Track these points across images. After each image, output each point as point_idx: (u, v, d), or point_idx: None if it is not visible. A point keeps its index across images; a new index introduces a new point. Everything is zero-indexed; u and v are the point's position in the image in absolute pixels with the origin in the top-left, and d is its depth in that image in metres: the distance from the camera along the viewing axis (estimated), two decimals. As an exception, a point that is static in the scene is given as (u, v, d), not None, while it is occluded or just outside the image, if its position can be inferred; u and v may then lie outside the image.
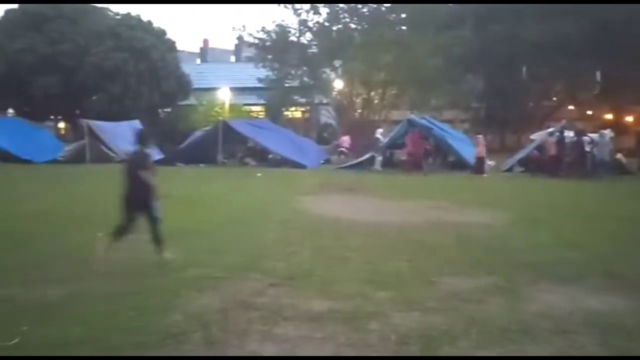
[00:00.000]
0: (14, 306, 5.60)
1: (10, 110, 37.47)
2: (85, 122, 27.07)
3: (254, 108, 40.71)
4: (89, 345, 4.66)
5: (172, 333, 4.92)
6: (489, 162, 24.24)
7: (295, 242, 8.88)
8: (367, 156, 25.37)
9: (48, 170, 22.76)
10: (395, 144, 26.01)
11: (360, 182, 18.45)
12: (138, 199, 7.31)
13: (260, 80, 35.57)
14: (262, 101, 37.85)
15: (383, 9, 34.11)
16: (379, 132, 25.75)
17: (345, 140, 29.58)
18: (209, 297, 6.02)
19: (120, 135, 27.98)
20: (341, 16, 33.98)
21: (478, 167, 22.72)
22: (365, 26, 33.78)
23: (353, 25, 34.49)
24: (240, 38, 40.52)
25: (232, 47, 57.49)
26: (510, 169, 23.93)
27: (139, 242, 8.63)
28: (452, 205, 13.39)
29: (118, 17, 35.48)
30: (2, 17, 35.36)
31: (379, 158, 24.84)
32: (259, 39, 34.87)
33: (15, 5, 35.46)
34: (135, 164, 7.44)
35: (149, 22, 35.18)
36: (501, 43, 32.81)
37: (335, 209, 12.63)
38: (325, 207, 12.85)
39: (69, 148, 27.90)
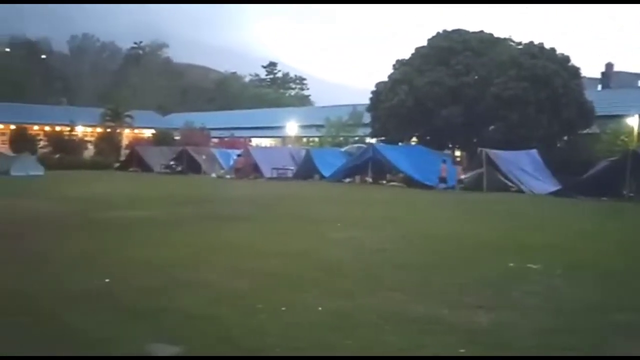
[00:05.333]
0: (443, 328, 5.76)
1: (414, 139, 40.72)
2: (483, 150, 27.67)
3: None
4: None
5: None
6: None
7: None
8: None
9: (446, 196, 23.92)
10: None
11: None
12: None
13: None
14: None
15: None
16: None
17: None
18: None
19: (518, 164, 27.95)
20: None
21: None
22: None
23: None
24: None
25: (641, 70, 52.46)
26: None
27: (550, 275, 8.30)
28: None
29: (520, 46, 35.61)
30: (413, 53, 38.89)
31: None
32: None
33: (424, 42, 38.70)
34: None
35: (552, 50, 34.39)
36: None
37: None
38: None
39: (467, 175, 28.88)
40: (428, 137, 37.34)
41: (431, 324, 5.81)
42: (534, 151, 29.19)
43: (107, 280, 7.35)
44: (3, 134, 51.94)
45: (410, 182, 28.38)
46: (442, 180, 27.63)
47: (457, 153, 40.42)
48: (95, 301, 6.41)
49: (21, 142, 44.11)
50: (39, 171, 33.37)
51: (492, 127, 34.61)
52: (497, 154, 27.62)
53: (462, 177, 27.80)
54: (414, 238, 11.71)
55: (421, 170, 28.81)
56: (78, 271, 8.01)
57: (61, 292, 6.78)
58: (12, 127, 49.86)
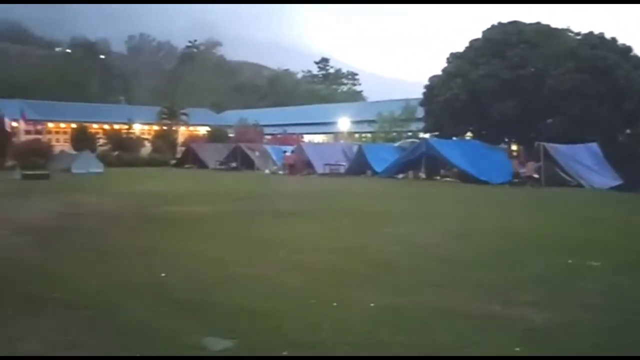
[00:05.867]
0: (497, 325, 5.66)
1: (469, 134, 40.14)
2: (541, 144, 27.02)
3: None
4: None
5: None
6: None
7: None
8: None
9: (502, 191, 23.45)
10: None
11: None
12: None
13: None
14: None
15: None
16: None
17: None
18: None
19: (577, 158, 27.14)
20: None
21: None
22: None
23: None
24: None
25: None
26: None
27: (611, 273, 8.03)
28: None
29: (579, 37, 34.62)
30: (467, 47, 38.32)
31: None
32: None
33: (479, 35, 38.06)
34: None
35: (613, 40, 33.32)
36: None
37: None
38: None
39: (523, 170, 28.24)
40: (483, 132, 36.70)
41: (485, 321, 5.72)
42: (594, 144, 28.31)
43: (163, 274, 7.54)
44: (65, 132, 53.79)
45: (465, 178, 27.91)
46: (517, 175, 26.96)
47: (514, 147, 39.65)
48: (154, 294, 6.59)
49: (82, 140, 45.57)
50: (99, 168, 34.42)
51: (549, 121, 33.81)
52: (555, 148, 26.91)
53: (536, 175, 26.49)
54: (468, 234, 11.55)
55: (476, 165, 28.28)
56: (137, 265, 8.24)
57: (122, 285, 6.99)
58: (73, 125, 51.57)
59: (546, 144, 26.87)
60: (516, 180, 26.66)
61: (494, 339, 5.22)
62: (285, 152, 37.66)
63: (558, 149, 26.83)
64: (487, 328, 5.53)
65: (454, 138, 37.23)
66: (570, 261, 8.75)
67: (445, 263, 8.54)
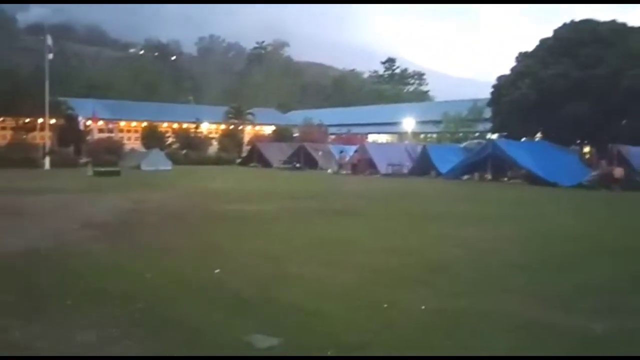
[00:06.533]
0: (553, 333, 5.42)
1: (538, 135, 38.94)
2: (615, 147, 25.94)
3: None
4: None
5: None
6: None
7: None
8: None
9: (572, 194, 22.63)
10: None
11: None
12: None
13: None
14: None
15: None
16: None
17: None
18: None
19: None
20: None
21: None
22: None
23: None
24: None
25: None
26: None
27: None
28: None
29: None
30: (537, 46, 37.20)
31: None
32: None
33: (549, 34, 36.87)
34: None
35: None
36: None
37: None
38: None
39: (595, 173, 27.15)
40: (553, 133, 35.50)
41: (541, 328, 5.48)
42: (671, 147, 26.91)
43: (217, 270, 7.62)
44: (136, 131, 55.51)
45: (533, 180, 27.12)
46: (605, 177, 25.78)
47: (586, 149, 38.25)
48: (206, 290, 6.66)
49: (151, 138, 47.03)
50: (167, 166, 35.42)
51: (624, 122, 32.41)
52: (630, 151, 25.80)
53: (618, 176, 25.08)
54: (531, 238, 11.17)
55: (545, 166, 27.46)
56: (194, 260, 8.37)
57: (176, 280, 7.11)
58: (144, 124, 53.19)
59: (620, 146, 25.83)
60: (587, 182, 25.58)
61: (549, 347, 5.00)
62: (341, 151, 37.66)
63: (633, 152, 25.73)
64: (544, 336, 5.30)
65: (523, 139, 36.21)
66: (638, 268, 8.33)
67: (506, 267, 8.27)
